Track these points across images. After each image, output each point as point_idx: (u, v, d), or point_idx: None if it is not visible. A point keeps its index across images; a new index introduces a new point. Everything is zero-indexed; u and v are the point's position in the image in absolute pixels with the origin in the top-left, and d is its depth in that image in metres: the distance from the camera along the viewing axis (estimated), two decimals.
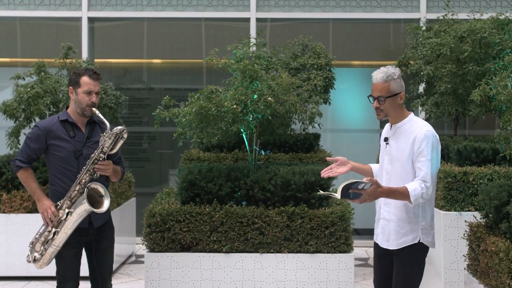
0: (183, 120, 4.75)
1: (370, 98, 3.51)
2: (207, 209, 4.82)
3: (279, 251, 4.82)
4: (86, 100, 3.82)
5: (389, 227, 3.51)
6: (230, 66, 5.02)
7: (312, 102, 5.38)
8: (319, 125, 5.47)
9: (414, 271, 3.48)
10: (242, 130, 4.92)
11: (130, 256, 7.14)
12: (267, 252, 4.81)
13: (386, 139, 3.56)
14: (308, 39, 6.67)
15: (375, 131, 8.40)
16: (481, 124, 7.03)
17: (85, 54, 7.79)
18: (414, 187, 3.34)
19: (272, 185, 4.83)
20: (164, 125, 5.35)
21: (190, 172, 4.92)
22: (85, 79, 3.84)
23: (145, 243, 4.88)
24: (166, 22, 8.23)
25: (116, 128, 3.78)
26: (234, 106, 4.62)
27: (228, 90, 5.02)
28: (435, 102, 5.96)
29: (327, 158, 3.66)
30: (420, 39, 6.47)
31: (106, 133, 3.77)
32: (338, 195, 3.23)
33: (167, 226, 4.80)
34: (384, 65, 3.53)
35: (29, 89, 6.16)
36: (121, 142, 3.80)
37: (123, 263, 6.83)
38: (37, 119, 6.42)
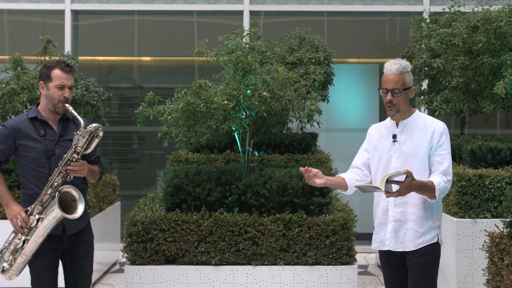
0: (169, 118, 4.56)
1: (381, 90, 3.42)
2: (194, 217, 4.66)
3: (274, 263, 4.68)
4: (58, 95, 3.64)
5: (405, 227, 3.43)
6: (221, 58, 4.76)
7: (310, 99, 5.20)
8: (318, 123, 5.19)
9: (435, 272, 3.42)
10: (234, 128, 4.74)
11: (114, 264, 6.90)
12: (261, 265, 4.68)
13: (394, 136, 3.46)
14: (305, 32, 6.35)
15: None
16: (484, 122, 6.68)
17: (68, 49, 7.49)
18: (438, 181, 3.28)
19: (267, 190, 4.68)
20: (154, 125, 5.12)
21: (176, 175, 4.74)
22: (56, 72, 3.65)
23: (126, 254, 4.69)
24: (155, 16, 8.08)
25: (90, 125, 3.60)
26: (225, 102, 4.46)
27: (219, 85, 4.84)
28: (445, 98, 5.62)
29: (301, 169, 3.41)
30: (425, 32, 6.16)
31: (79, 131, 3.60)
32: (382, 187, 3.16)
33: (149, 236, 4.62)
34: (384, 62, 3.47)
35: (4, 86, 5.93)
36: (96, 141, 3.64)
37: (106, 272, 6.57)
38: (12, 117, 6.07)
